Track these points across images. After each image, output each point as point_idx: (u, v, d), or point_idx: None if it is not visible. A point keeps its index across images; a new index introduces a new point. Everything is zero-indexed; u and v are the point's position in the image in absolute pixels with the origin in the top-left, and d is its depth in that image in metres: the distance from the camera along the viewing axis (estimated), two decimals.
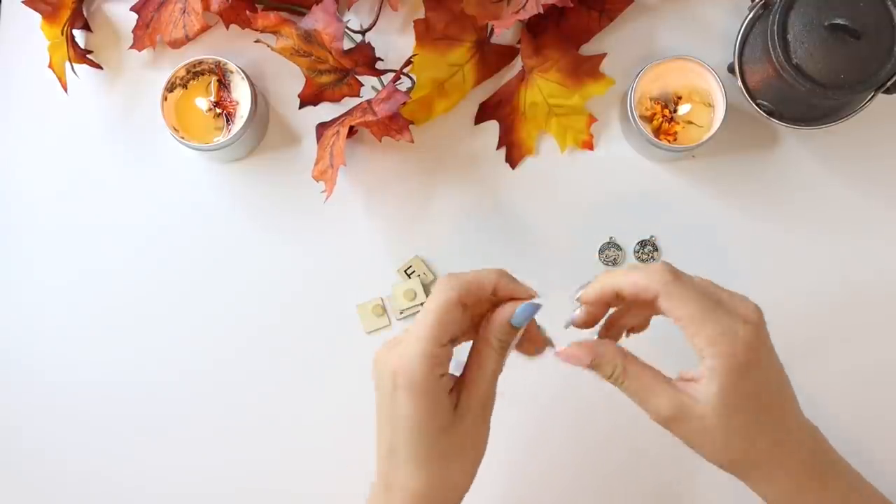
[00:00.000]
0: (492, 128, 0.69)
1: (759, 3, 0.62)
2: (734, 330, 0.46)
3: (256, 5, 0.67)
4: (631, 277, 0.47)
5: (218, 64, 0.66)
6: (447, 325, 0.46)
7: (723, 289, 0.49)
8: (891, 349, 0.67)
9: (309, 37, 0.61)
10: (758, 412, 0.47)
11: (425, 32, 0.66)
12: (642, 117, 0.65)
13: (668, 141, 0.65)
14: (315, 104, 0.68)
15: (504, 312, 0.48)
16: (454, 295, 0.47)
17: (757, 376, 0.47)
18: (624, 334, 0.53)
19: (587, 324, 0.51)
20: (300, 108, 0.68)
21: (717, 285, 0.49)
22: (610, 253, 0.68)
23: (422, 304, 0.67)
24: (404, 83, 0.66)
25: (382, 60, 0.65)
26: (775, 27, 0.58)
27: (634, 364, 0.48)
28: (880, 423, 0.67)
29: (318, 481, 0.68)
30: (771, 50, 0.59)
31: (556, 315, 0.51)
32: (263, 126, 0.69)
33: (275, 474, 0.68)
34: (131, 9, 0.69)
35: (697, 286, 0.47)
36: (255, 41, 0.64)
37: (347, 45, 0.64)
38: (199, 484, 0.68)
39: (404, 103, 0.61)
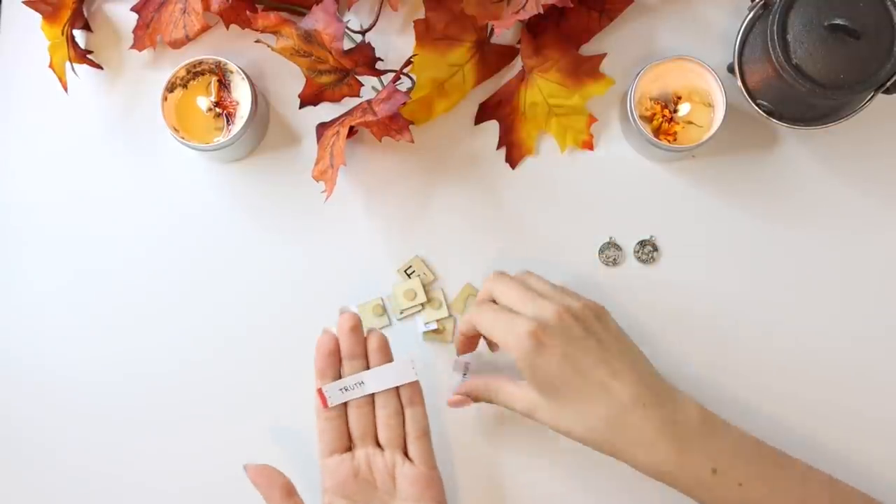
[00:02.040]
0: (492, 128, 0.69)
1: (758, 3, 0.62)
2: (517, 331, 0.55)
3: (256, 5, 0.67)
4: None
5: (218, 64, 0.66)
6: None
7: (535, 293, 0.58)
8: (892, 348, 0.67)
9: (309, 37, 0.62)
10: (567, 378, 0.55)
11: (425, 32, 0.66)
12: (642, 117, 0.65)
13: (668, 141, 0.65)
14: (315, 104, 0.68)
15: None
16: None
17: (551, 356, 0.55)
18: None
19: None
20: (300, 108, 0.68)
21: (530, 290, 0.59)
22: (610, 253, 0.68)
23: (422, 304, 0.67)
24: (404, 83, 0.66)
25: (382, 60, 0.65)
26: (775, 27, 0.58)
27: (495, 381, 0.59)
28: (879, 421, 0.67)
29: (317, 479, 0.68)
30: (771, 50, 0.59)
31: None
32: (263, 126, 0.69)
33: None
34: (131, 9, 0.69)
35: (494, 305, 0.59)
36: (256, 41, 0.64)
37: (347, 45, 0.64)
38: (199, 482, 0.68)
39: (404, 103, 0.61)
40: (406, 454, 0.59)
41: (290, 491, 0.57)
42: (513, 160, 0.69)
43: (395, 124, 0.62)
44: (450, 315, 0.67)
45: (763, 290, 0.68)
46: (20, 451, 0.69)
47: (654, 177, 0.68)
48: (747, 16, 0.63)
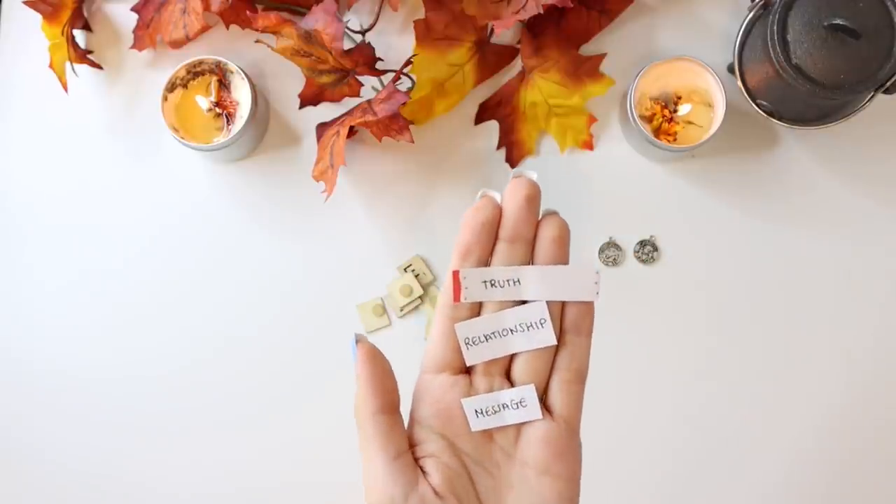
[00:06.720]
0: (492, 128, 0.69)
1: (758, 3, 0.62)
2: None
3: (256, 5, 0.67)
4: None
5: (218, 64, 0.66)
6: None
7: None
8: (891, 348, 0.67)
9: (309, 37, 0.61)
10: None
11: (425, 32, 0.66)
12: (642, 117, 0.65)
13: (668, 141, 0.65)
14: (315, 104, 0.68)
15: None
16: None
17: None
18: None
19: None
20: (300, 108, 0.68)
21: None
22: (610, 253, 0.68)
23: (420, 296, 0.67)
24: (404, 83, 0.66)
25: (382, 60, 0.65)
26: (775, 27, 0.58)
27: None
28: (878, 420, 0.67)
29: (316, 479, 0.68)
30: (771, 50, 0.59)
31: None
32: (263, 126, 0.69)
33: (273, 472, 0.68)
34: (132, 9, 0.69)
35: None
36: (256, 41, 0.64)
37: (347, 45, 0.64)
38: (198, 481, 0.68)
39: (404, 103, 0.61)
40: (545, 402, 0.40)
41: (390, 407, 0.39)
42: (513, 160, 0.69)
43: (395, 124, 0.62)
44: None
45: (763, 290, 0.68)
46: (21, 452, 0.69)
47: (654, 177, 0.69)
48: (747, 16, 0.63)
